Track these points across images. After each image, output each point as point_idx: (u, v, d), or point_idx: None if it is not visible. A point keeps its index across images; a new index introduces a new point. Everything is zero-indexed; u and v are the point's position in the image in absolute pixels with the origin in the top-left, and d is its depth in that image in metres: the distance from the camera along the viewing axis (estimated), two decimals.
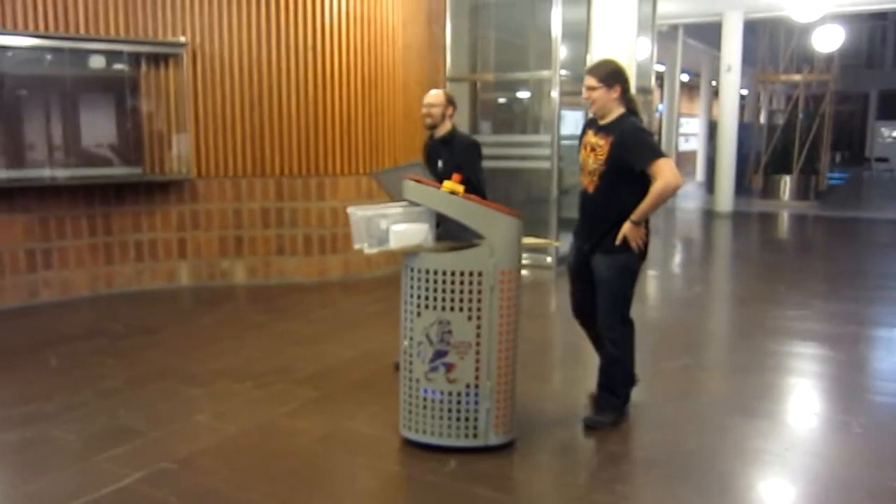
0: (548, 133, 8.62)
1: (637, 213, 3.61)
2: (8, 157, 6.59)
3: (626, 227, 3.63)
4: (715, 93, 20.64)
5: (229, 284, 7.31)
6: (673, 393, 4.52)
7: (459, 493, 3.21)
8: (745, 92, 21.06)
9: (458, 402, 3.44)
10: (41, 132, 6.92)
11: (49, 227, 6.60)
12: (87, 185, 6.78)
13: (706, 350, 5.75)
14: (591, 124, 3.86)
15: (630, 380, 4.05)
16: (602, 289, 3.81)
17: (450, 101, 4.63)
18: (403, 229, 3.43)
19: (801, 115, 16.43)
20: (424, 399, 3.49)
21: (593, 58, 7.94)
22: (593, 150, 3.74)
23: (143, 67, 7.03)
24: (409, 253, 3.45)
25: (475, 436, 3.47)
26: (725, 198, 14.40)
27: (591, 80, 3.71)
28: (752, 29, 14.85)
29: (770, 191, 16.55)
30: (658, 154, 3.59)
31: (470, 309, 3.37)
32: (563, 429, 3.95)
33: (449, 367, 3.41)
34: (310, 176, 7.37)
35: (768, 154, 16.81)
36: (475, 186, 4.30)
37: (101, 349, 5.29)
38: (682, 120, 20.99)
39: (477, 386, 3.43)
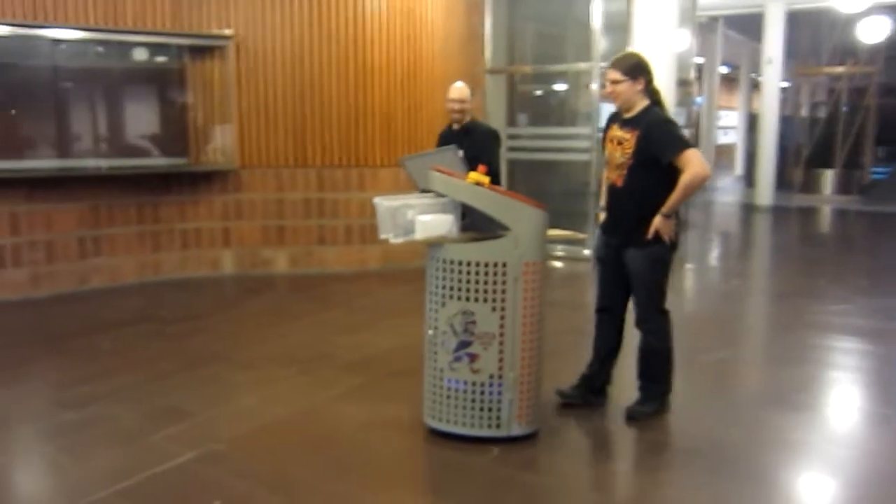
0: (586, 125, 8.63)
1: (667, 206, 3.59)
2: (60, 147, 6.81)
3: (657, 221, 3.61)
4: (755, 85, 20.37)
5: (271, 273, 7.45)
6: (713, 385, 4.54)
7: (506, 479, 3.27)
8: (786, 84, 20.75)
9: (482, 393, 3.45)
10: (91, 123, 7.13)
11: (99, 215, 6.79)
12: (135, 174, 6.96)
13: (746, 343, 5.74)
14: (615, 118, 3.83)
15: (672, 371, 4.01)
16: (637, 282, 3.80)
17: (471, 93, 4.73)
18: (429, 220, 3.45)
19: (844, 109, 16.15)
20: (448, 389, 3.50)
21: (633, 49, 7.90)
22: (620, 143, 3.71)
23: (190, 60, 7.19)
24: (434, 244, 3.47)
25: (498, 426, 3.48)
26: (765, 192, 14.24)
27: (614, 74, 3.68)
28: (794, 20, 14.61)
29: (811, 185, 16.32)
30: (685, 145, 3.57)
31: (494, 300, 3.38)
32: (605, 418, 4.00)
33: (473, 358, 3.42)
34: (350, 167, 7.48)
35: (810, 148, 16.56)
36: (494, 176, 4.31)
37: (149, 334, 5.45)
38: (721, 113, 20.75)
39: (500, 377, 3.43)
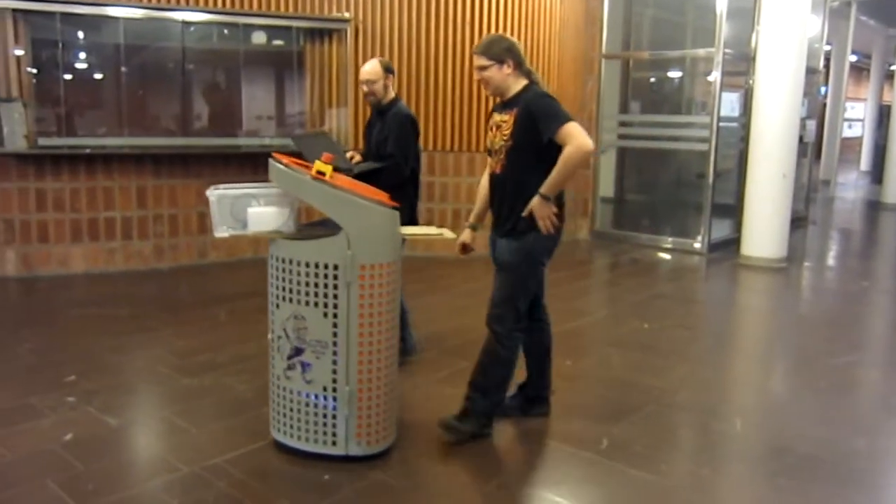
0: (705, 114, 8.32)
1: (546, 185, 3.19)
2: (185, 126, 7.11)
3: (534, 201, 3.21)
4: (888, 75, 19.13)
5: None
6: (839, 390, 4.30)
7: (613, 471, 3.20)
8: None
9: (316, 406, 3.14)
10: (214, 103, 7.41)
11: None
12: (251, 153, 7.18)
13: (874, 348, 5.41)
14: (495, 107, 3.50)
15: (505, 391, 3.53)
16: (499, 275, 3.43)
17: (386, 70, 4.23)
18: (261, 212, 3.16)
19: None
20: (285, 399, 3.21)
21: (760, 36, 7.55)
22: (499, 128, 3.38)
23: (309, 43, 7.34)
24: (270, 239, 3.18)
25: (334, 444, 3.15)
26: (894, 189, 13.37)
27: (479, 60, 3.36)
28: None
29: None
30: (566, 118, 3.18)
31: (325, 305, 3.05)
32: (716, 418, 3.85)
33: (306, 367, 3.12)
34: (461, 151, 7.47)
35: None
36: (398, 161, 4.09)
37: (263, 307, 5.60)
38: (847, 104, 19.60)
39: (335, 390, 3.11)
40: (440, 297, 6.13)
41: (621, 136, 9.09)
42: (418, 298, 6.02)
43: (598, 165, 8.92)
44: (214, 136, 7.31)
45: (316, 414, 3.15)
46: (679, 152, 9.06)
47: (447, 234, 3.58)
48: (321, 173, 3.06)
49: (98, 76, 7.10)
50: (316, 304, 3.06)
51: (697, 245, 8.15)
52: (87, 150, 6.51)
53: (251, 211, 3.16)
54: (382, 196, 3.24)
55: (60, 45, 6.54)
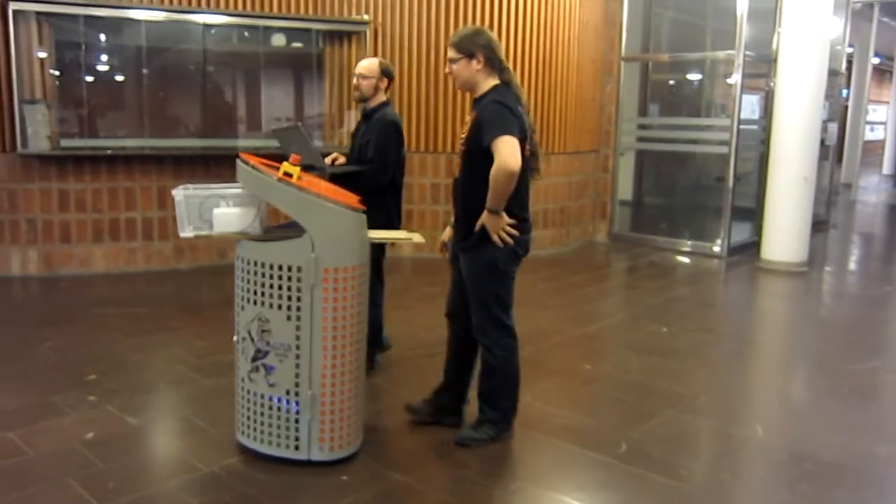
0: (725, 116, 8.26)
1: (489, 200, 3.10)
2: (205, 127, 7.15)
3: (483, 216, 3.15)
4: None
5: (397, 256, 7.55)
6: (861, 396, 4.25)
7: (632, 476, 3.18)
8: None
9: (279, 409, 3.11)
10: (234, 105, 7.46)
11: None
12: (271, 154, 7.19)
13: None
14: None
15: (516, 393, 3.49)
16: (471, 291, 3.34)
17: (384, 73, 4.15)
18: (226, 213, 3.13)
19: None
20: (249, 402, 3.19)
21: (782, 38, 7.49)
22: (464, 129, 3.30)
23: (328, 45, 7.37)
24: (235, 240, 3.16)
25: (297, 448, 3.12)
26: None
27: (450, 51, 3.27)
28: None
29: None
30: (503, 131, 3.05)
31: (289, 308, 3.01)
32: (736, 424, 3.83)
33: (269, 370, 3.09)
34: None
35: None
36: (377, 168, 4.01)
37: None
38: (870, 107, 19.40)
39: (297, 394, 3.08)
40: None
41: (640, 139, 9.05)
42: (432, 301, 6.00)
43: (617, 168, 8.89)
44: (234, 138, 7.35)
45: (279, 417, 3.12)
46: (698, 155, 9.02)
47: (416, 237, 3.53)
48: (288, 175, 3.03)
49: (120, 78, 7.17)
50: (280, 307, 3.03)
51: (717, 248, 8.09)
52: (108, 151, 6.57)
53: (216, 212, 3.14)
54: (351, 199, 3.18)
55: (83, 47, 6.61)
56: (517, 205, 3.21)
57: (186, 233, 3.18)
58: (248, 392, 3.18)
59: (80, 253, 6.52)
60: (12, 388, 3.99)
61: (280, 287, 3.02)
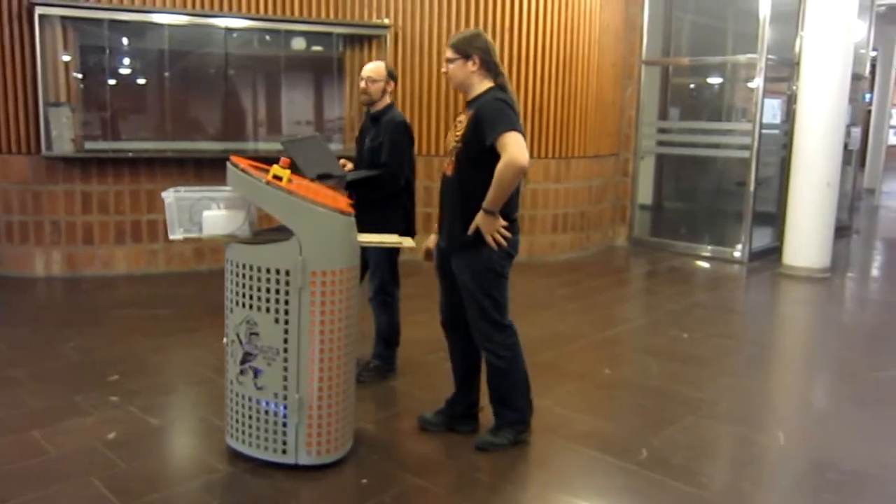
0: (746, 120, 8.20)
1: (487, 200, 3.08)
2: (226, 130, 7.20)
3: (479, 217, 3.12)
4: None
5: (417, 259, 7.55)
6: (886, 404, 4.20)
7: (653, 482, 3.16)
8: None
9: (266, 413, 3.11)
10: (255, 109, 7.50)
11: None
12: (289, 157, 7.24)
13: None
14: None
15: (528, 391, 3.48)
16: (466, 296, 3.31)
17: (390, 76, 4.17)
18: (214, 216, 3.13)
19: None
20: (238, 405, 3.19)
21: (805, 41, 7.43)
22: (456, 126, 3.32)
23: (348, 49, 7.40)
24: (225, 243, 3.16)
25: (284, 452, 3.12)
26: None
27: (447, 52, 3.28)
28: None
29: None
30: (510, 127, 3.06)
31: (277, 311, 3.01)
32: (758, 431, 3.79)
33: (257, 373, 3.09)
34: None
35: None
36: (393, 171, 4.02)
37: None
38: (894, 111, 19.18)
39: (286, 397, 3.08)
40: None
41: (660, 143, 9.00)
42: None
43: (637, 172, 8.85)
44: (255, 141, 7.40)
45: (267, 421, 3.12)
46: (719, 159, 8.95)
47: (406, 242, 3.52)
48: (277, 178, 3.03)
49: (142, 81, 7.24)
50: (268, 310, 3.03)
51: (737, 254, 8.03)
52: (130, 154, 6.63)
53: (206, 214, 3.14)
54: (341, 203, 3.17)
55: (107, 50, 6.68)
56: (510, 206, 3.19)
57: (176, 235, 3.17)
58: (237, 395, 3.18)
59: (103, 254, 6.59)
60: (36, 387, 4.04)
61: (268, 290, 3.01)
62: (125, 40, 6.94)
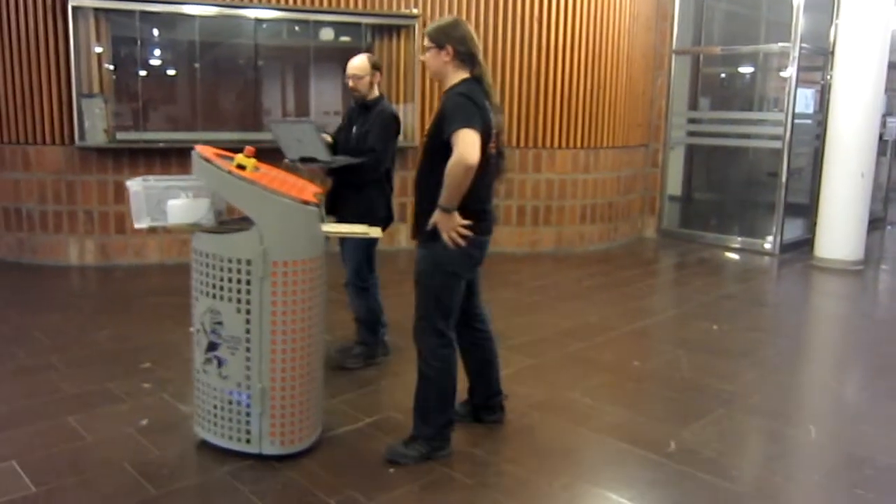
0: (778, 110, 8.08)
1: (441, 197, 2.96)
2: (256, 120, 7.25)
3: (436, 214, 3.01)
4: None
5: (407, 249, 7.56)
6: None
7: (683, 475, 3.14)
8: None
9: (230, 402, 3.11)
10: (285, 99, 7.53)
11: None
12: None
13: None
14: None
15: (449, 410, 3.27)
16: (416, 285, 3.19)
17: (374, 67, 4.23)
18: (177, 205, 3.12)
19: None
20: (203, 394, 3.19)
21: (839, 29, 7.30)
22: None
23: (377, 39, 7.40)
24: (190, 232, 3.15)
25: (248, 441, 3.12)
26: None
27: (424, 41, 3.18)
28: None
29: None
30: (464, 124, 2.91)
31: (239, 300, 3.01)
32: (790, 425, 3.75)
33: (221, 362, 3.09)
34: (527, 148, 7.44)
35: None
36: (378, 157, 4.09)
37: (333, 299, 5.64)
38: None
39: (249, 387, 3.07)
40: (510, 293, 6.10)
41: (690, 133, 8.91)
42: (487, 294, 6.01)
43: (667, 163, 8.76)
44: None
45: (231, 410, 3.12)
46: (749, 150, 8.84)
47: (373, 231, 3.49)
48: (241, 167, 3.03)
49: (172, 72, 7.30)
50: (230, 300, 3.03)
51: (768, 245, 7.93)
52: (161, 144, 6.70)
53: (170, 203, 3.14)
54: (306, 193, 3.13)
55: (138, 42, 6.74)
56: (475, 200, 3.06)
57: (142, 224, 3.18)
58: (203, 384, 3.19)
59: (135, 243, 6.67)
60: (71, 374, 4.11)
61: (230, 280, 3.02)
62: (156, 32, 7.01)
